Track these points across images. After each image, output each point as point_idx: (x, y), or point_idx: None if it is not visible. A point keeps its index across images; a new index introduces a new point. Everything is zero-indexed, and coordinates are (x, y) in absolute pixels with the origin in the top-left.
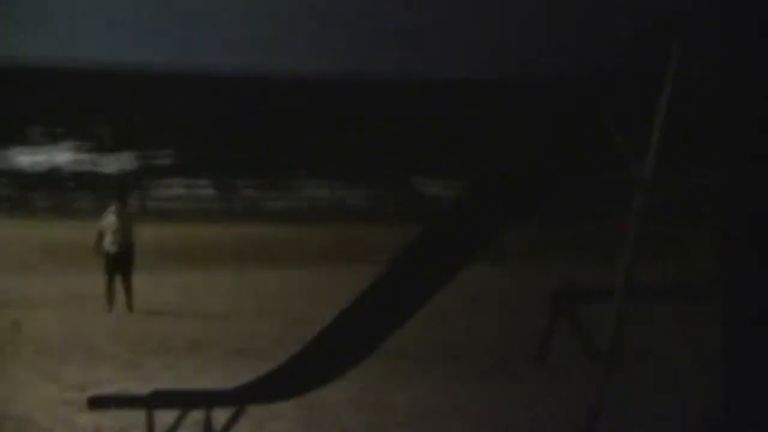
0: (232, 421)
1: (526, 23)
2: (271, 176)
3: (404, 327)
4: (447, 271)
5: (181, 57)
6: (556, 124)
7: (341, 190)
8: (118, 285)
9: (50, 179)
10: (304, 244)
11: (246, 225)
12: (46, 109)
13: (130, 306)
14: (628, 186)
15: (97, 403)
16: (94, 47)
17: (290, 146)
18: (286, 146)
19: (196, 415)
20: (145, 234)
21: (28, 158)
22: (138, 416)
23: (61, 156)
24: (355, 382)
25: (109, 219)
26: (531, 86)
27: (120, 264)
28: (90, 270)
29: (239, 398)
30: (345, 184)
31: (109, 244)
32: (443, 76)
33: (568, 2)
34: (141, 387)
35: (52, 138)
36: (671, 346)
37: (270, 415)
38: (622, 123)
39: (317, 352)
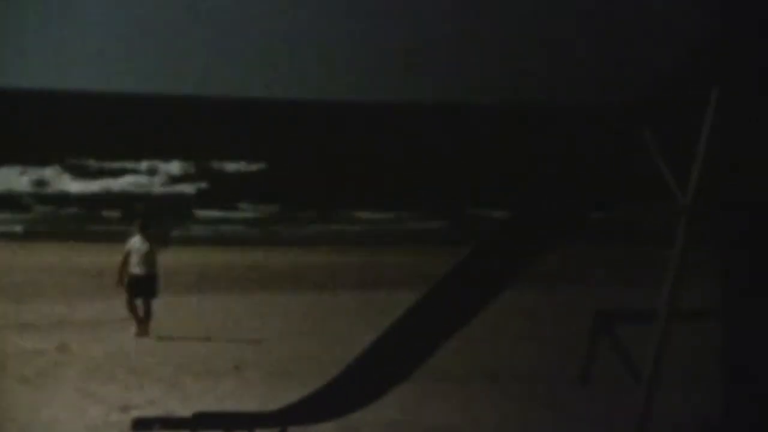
0: None
1: (573, 50)
2: (328, 203)
3: (443, 349)
4: (486, 295)
5: (234, 88)
6: (599, 150)
7: (398, 216)
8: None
9: (103, 204)
10: (354, 269)
11: (298, 250)
12: (110, 137)
13: (145, 330)
14: (671, 212)
15: (142, 424)
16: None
17: (349, 174)
18: (345, 174)
19: None
20: (197, 258)
21: (80, 185)
22: None
23: (119, 182)
24: (394, 404)
25: (133, 243)
26: (577, 112)
27: (142, 288)
28: None
29: (281, 420)
30: (403, 211)
31: (132, 266)
32: (488, 104)
33: (611, 30)
34: (184, 409)
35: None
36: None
37: None
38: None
39: (357, 374)
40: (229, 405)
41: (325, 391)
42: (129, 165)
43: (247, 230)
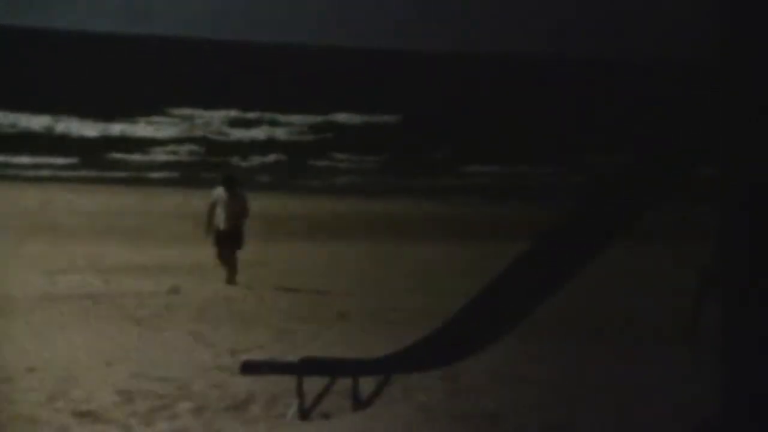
0: (379, 389)
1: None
2: (441, 155)
3: (549, 302)
4: (593, 248)
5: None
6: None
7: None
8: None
9: (228, 152)
10: (463, 221)
11: (409, 201)
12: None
13: (230, 281)
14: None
15: (250, 368)
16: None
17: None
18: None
19: (344, 383)
20: (307, 206)
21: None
22: (289, 382)
23: (246, 133)
24: (500, 356)
25: (218, 194)
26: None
27: (226, 240)
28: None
29: (386, 368)
30: (512, 163)
31: (217, 219)
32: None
33: None
34: (291, 354)
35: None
36: None
37: (415, 385)
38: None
39: (463, 323)
40: (336, 352)
41: (430, 340)
42: (252, 115)
43: (355, 181)
